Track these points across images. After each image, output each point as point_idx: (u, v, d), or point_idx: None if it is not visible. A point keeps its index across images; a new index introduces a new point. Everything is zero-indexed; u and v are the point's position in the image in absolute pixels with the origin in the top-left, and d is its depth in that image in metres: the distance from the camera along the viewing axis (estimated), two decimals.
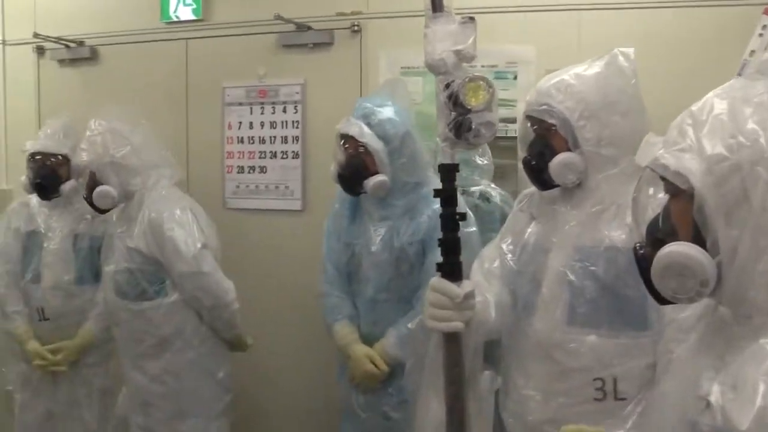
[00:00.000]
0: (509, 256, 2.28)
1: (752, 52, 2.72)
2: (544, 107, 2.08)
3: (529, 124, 2.18)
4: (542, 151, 2.11)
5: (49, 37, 4.37)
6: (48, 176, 3.51)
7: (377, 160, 2.84)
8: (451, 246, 1.83)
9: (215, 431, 3.24)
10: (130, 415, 3.30)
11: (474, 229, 2.79)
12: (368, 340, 2.94)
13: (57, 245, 3.53)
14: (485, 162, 3.46)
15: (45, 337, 3.51)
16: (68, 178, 3.54)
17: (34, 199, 3.62)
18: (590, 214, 2.08)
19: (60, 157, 3.54)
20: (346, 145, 2.90)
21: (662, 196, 1.31)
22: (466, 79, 1.78)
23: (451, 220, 1.83)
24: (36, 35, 4.33)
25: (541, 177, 2.13)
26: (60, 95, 4.50)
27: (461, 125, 1.79)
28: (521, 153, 2.23)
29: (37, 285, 3.52)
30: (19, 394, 3.64)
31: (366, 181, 2.84)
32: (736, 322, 1.23)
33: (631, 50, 2.10)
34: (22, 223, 3.60)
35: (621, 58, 2.08)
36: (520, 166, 2.96)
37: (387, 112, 2.89)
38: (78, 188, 3.48)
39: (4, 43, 4.63)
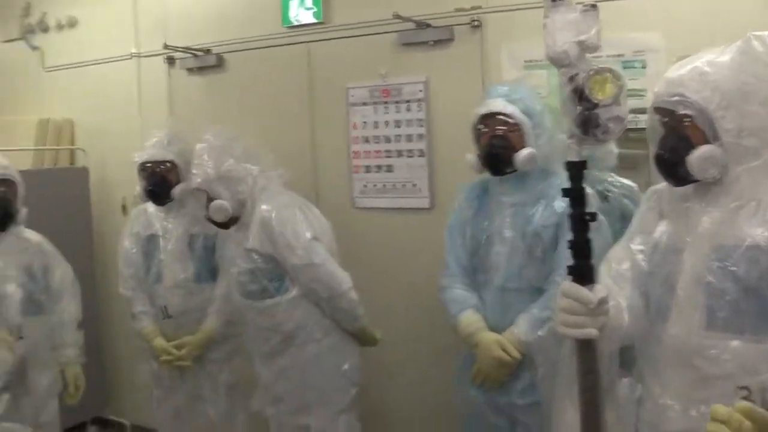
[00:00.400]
0: (640, 256, 2.13)
1: None
2: (677, 98, 1.92)
3: (658, 117, 2.03)
4: (676, 145, 1.94)
5: (178, 47, 4.54)
6: (158, 183, 3.69)
7: (524, 133, 2.84)
8: (581, 248, 1.75)
9: (343, 425, 3.27)
10: (264, 410, 3.40)
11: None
12: (495, 331, 2.87)
13: (174, 246, 3.72)
14: (608, 153, 3.31)
15: (169, 334, 3.71)
16: (178, 182, 3.70)
17: (150, 205, 3.80)
18: (729, 211, 1.91)
19: (167, 164, 3.71)
20: (486, 129, 2.89)
21: None
22: (592, 72, 1.69)
23: (580, 220, 1.75)
24: (166, 46, 4.51)
25: (675, 172, 1.97)
26: (189, 102, 4.68)
27: (588, 121, 1.70)
28: (652, 148, 2.09)
29: (159, 285, 3.72)
30: (154, 390, 3.86)
31: (516, 155, 2.82)
32: None
33: (767, 34, 1.91)
34: (141, 228, 3.80)
35: (756, 43, 1.88)
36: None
37: (523, 89, 2.95)
38: (188, 191, 3.65)
39: (138, 55, 4.84)
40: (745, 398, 1.58)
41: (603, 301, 1.78)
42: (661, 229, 2.10)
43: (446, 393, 3.30)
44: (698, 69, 1.91)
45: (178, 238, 3.71)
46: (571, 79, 1.72)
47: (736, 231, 1.89)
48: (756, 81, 1.85)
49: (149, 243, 3.76)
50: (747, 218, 1.89)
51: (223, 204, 3.20)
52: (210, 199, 3.24)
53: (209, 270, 3.72)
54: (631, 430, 1.95)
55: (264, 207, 3.19)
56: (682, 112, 1.92)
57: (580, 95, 1.71)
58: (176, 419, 3.79)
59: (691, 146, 1.91)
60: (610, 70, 1.72)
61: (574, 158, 1.77)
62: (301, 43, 4.19)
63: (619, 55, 3.41)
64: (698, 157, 1.89)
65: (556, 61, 1.74)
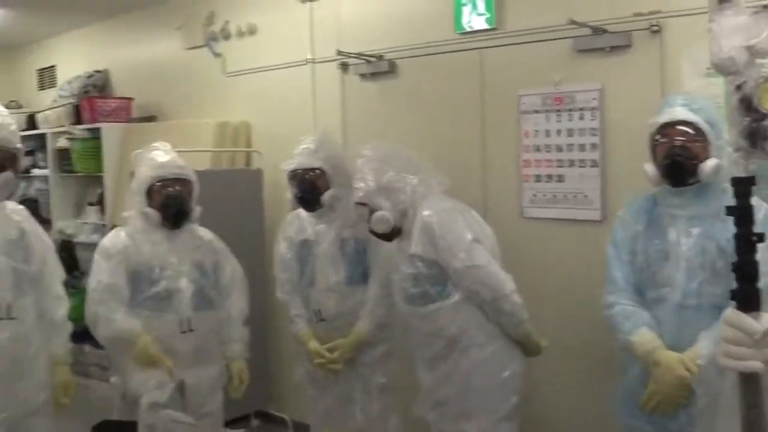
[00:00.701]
0: None
1: None
2: None
3: None
4: None
5: (351, 53, 4.59)
6: (308, 189, 3.75)
7: (707, 143, 2.68)
8: (747, 271, 1.59)
9: None
10: (426, 415, 3.34)
11: None
12: (671, 350, 2.70)
13: (326, 250, 3.76)
14: None
15: (323, 337, 3.76)
16: (327, 189, 3.74)
17: (303, 211, 3.86)
18: None
19: (316, 171, 3.75)
20: (664, 139, 2.74)
21: None
22: (761, 80, 1.55)
23: (746, 241, 1.59)
24: (339, 52, 4.58)
25: None
26: (361, 107, 4.74)
27: (756, 133, 1.56)
28: None
29: (312, 288, 3.77)
30: (310, 390, 3.93)
31: (701, 165, 2.66)
32: None
33: None
34: (294, 233, 3.87)
35: None
36: None
37: (702, 99, 2.82)
38: (338, 196, 3.72)
39: (313, 61, 4.94)
40: None
41: None
42: None
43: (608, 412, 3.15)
44: None
45: (330, 242, 3.76)
46: (739, 87, 1.59)
47: None
48: None
49: (302, 248, 3.83)
50: None
51: (385, 214, 3.22)
52: (372, 212, 3.26)
53: (361, 273, 3.76)
54: None
55: (425, 212, 3.17)
56: None
57: (747, 105, 1.58)
58: (328, 419, 3.86)
59: None
60: None
61: (741, 173, 1.61)
62: (474, 49, 4.13)
63: None
64: None
65: (722, 69, 1.62)
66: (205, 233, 3.74)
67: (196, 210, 3.62)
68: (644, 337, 2.74)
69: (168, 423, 2.76)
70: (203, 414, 3.56)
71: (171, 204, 3.49)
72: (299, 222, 3.88)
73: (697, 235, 2.72)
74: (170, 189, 3.51)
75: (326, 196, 3.74)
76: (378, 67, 4.56)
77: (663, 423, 2.75)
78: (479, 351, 3.16)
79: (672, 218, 2.78)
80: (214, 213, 3.89)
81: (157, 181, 3.51)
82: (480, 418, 3.16)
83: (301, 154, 3.83)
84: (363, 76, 4.66)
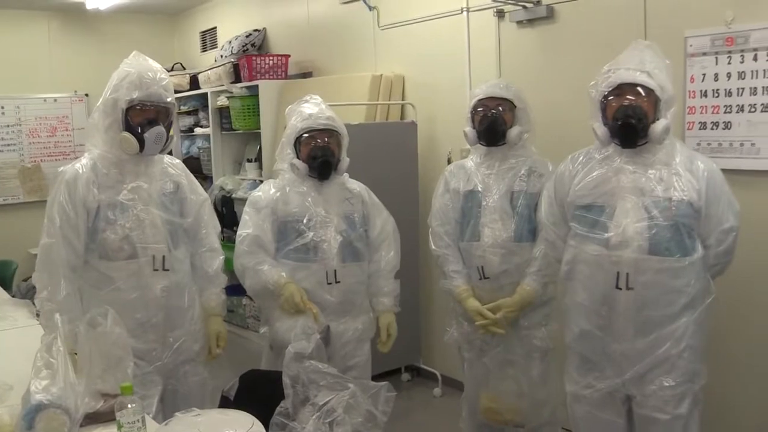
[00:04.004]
0: None
1: None
2: None
3: None
4: None
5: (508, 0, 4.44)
6: (496, 122, 3.57)
7: None
8: None
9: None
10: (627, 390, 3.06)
11: None
12: None
13: (495, 204, 3.58)
14: None
15: (485, 297, 3.61)
16: (512, 125, 3.59)
17: (469, 161, 3.73)
18: None
19: (507, 103, 3.60)
20: None
21: None
22: None
23: None
24: None
25: None
26: (519, 56, 4.60)
27: None
28: None
29: (476, 243, 3.60)
30: (466, 353, 3.80)
31: None
32: None
33: None
34: (461, 183, 3.69)
35: None
36: None
37: None
38: (523, 136, 3.58)
39: (468, 9, 4.84)
40: None
41: None
42: None
43: None
44: None
45: (501, 195, 3.59)
46: None
47: None
48: None
49: (468, 199, 3.67)
50: None
51: None
52: None
53: (530, 230, 3.57)
54: None
55: (703, 160, 2.98)
56: None
57: None
58: (485, 383, 3.73)
59: None
60: None
61: None
62: None
63: None
64: None
65: None
66: (356, 185, 3.71)
67: (345, 161, 3.58)
68: None
69: (311, 374, 2.77)
70: (350, 366, 3.55)
71: (318, 155, 3.47)
72: (465, 172, 3.72)
73: None
74: (318, 140, 3.50)
75: (513, 132, 3.58)
76: (535, 13, 4.40)
77: None
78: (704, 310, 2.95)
79: None
80: (369, 166, 3.87)
81: (305, 133, 3.51)
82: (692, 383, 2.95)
83: (489, 84, 3.70)
84: (520, 23, 4.52)
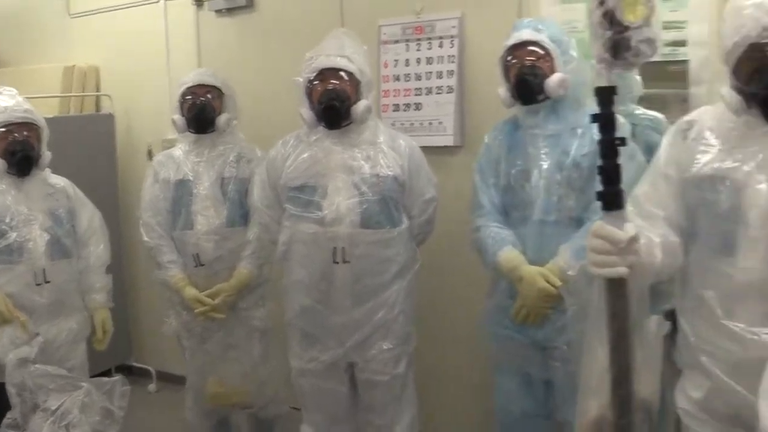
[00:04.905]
0: (677, 189, 2.15)
1: None
2: None
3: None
4: None
5: None
6: (205, 109, 3.60)
7: (554, 59, 2.82)
8: (611, 173, 1.73)
9: None
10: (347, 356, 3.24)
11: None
12: (536, 265, 2.83)
13: (207, 191, 3.62)
14: (632, 83, 3.19)
15: (202, 283, 3.61)
16: (221, 113, 3.64)
17: (178, 149, 3.73)
18: None
19: (215, 91, 3.65)
20: (515, 60, 2.86)
21: None
22: None
23: (610, 146, 1.72)
24: None
25: None
26: (218, 45, 4.63)
27: (619, 44, 1.66)
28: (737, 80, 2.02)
29: (190, 232, 3.62)
30: (186, 341, 3.78)
31: (547, 81, 2.79)
32: None
33: None
34: (171, 173, 3.67)
35: None
36: (694, 92, 3.03)
37: (548, 21, 3.01)
38: (232, 123, 3.64)
39: None
40: None
41: (633, 240, 1.78)
42: (709, 160, 2.08)
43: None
44: None
45: (211, 182, 3.62)
46: (602, 2, 1.68)
47: None
48: None
49: (178, 189, 3.66)
50: None
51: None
52: None
53: (242, 215, 3.64)
54: (658, 367, 1.93)
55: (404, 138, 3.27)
56: None
57: (610, 19, 1.67)
58: (208, 368, 3.72)
59: None
60: None
61: (604, 83, 1.73)
62: None
63: None
64: None
65: None
66: (59, 180, 3.56)
67: (46, 156, 3.44)
68: (509, 255, 2.86)
69: (38, 378, 2.67)
70: (68, 368, 3.36)
71: (17, 150, 3.31)
72: (173, 162, 3.70)
73: (554, 152, 2.84)
74: (16, 134, 3.33)
75: (222, 119, 3.62)
76: (234, 2, 4.46)
77: (531, 332, 2.90)
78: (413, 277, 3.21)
79: (532, 137, 2.89)
80: (64, 161, 3.69)
81: (1, 127, 3.33)
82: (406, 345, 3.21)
83: (198, 72, 3.72)
84: (219, 12, 4.56)
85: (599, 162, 1.75)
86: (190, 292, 3.59)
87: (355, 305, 3.08)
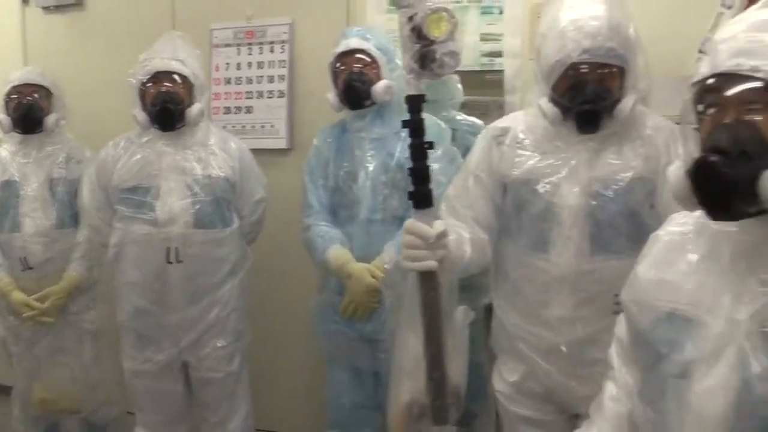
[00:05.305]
0: (490, 191, 2.37)
1: None
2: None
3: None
4: None
5: None
6: (32, 108, 3.54)
7: (380, 67, 2.97)
8: (421, 174, 1.86)
9: None
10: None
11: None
12: (364, 262, 2.97)
13: (35, 192, 3.55)
14: (454, 92, 3.40)
15: (30, 287, 3.53)
16: (50, 112, 3.59)
17: (3, 150, 3.65)
18: (604, 144, 2.20)
19: (43, 90, 3.59)
20: (344, 66, 3.00)
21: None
22: (429, 11, 1.79)
23: (419, 149, 1.85)
24: None
25: None
26: (46, 43, 4.51)
27: (426, 56, 1.81)
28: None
29: (17, 234, 3.54)
30: (14, 347, 3.67)
31: (374, 88, 2.93)
32: None
33: None
34: None
35: None
36: (508, 99, 3.30)
37: (375, 30, 3.17)
38: (61, 123, 3.60)
39: None
40: (616, 303, 1.75)
41: (441, 235, 1.91)
42: (523, 164, 2.31)
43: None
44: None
45: (39, 183, 3.55)
46: (410, 18, 1.82)
47: (614, 164, 2.19)
48: None
49: (4, 190, 3.56)
50: (617, 152, 2.21)
51: None
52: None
53: (71, 216, 3.59)
54: (465, 353, 2.07)
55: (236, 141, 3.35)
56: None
57: (418, 33, 1.81)
58: (36, 373, 3.63)
59: None
60: (446, 10, 1.82)
61: (413, 92, 1.86)
62: None
63: (478, 1, 3.54)
64: None
65: (397, 2, 1.85)
66: None
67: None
68: (337, 252, 3.00)
69: None
70: None
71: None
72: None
73: (379, 154, 3.00)
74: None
75: (50, 119, 3.55)
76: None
77: (359, 327, 3.05)
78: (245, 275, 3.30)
79: (358, 140, 3.05)
80: None
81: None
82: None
83: (26, 71, 3.64)
84: (47, 8, 4.45)
85: (409, 164, 1.88)
86: (18, 296, 3.49)
87: (189, 304, 3.13)
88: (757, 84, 1.29)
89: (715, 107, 1.35)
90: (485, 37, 3.52)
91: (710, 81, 1.36)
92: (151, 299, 3.13)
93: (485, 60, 3.52)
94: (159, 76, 3.07)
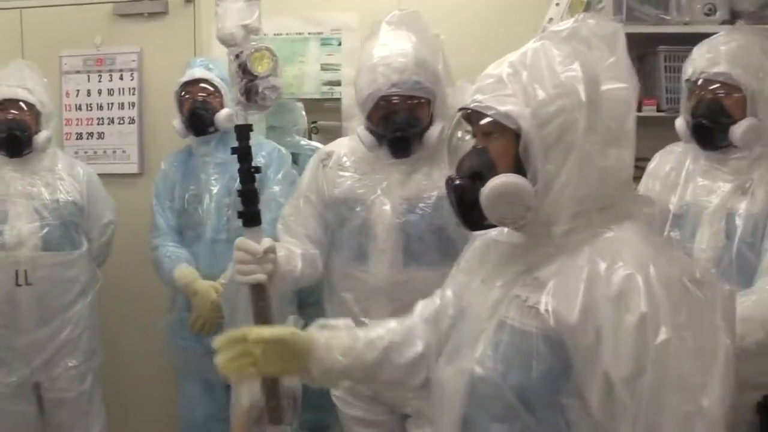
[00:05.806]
0: (314, 210, 2.58)
1: (550, 20, 3.04)
2: None
3: None
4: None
5: None
6: None
7: (223, 96, 3.17)
8: (249, 196, 2.07)
9: None
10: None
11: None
12: (209, 279, 3.14)
13: None
14: (298, 119, 3.66)
15: None
16: None
17: None
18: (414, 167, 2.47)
19: None
20: (189, 95, 3.18)
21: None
22: (253, 50, 2.00)
23: (247, 173, 2.06)
24: None
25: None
26: None
27: (250, 90, 2.01)
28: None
29: None
30: None
31: (217, 115, 3.12)
32: (545, 243, 1.46)
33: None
34: None
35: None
36: (345, 125, 3.41)
37: (218, 61, 3.25)
38: None
39: None
40: None
41: (269, 251, 2.12)
42: (343, 185, 2.54)
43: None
44: None
45: None
46: (237, 56, 2.03)
47: (422, 185, 2.45)
48: None
49: None
50: (426, 174, 2.47)
51: None
52: None
53: None
54: None
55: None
56: None
57: (243, 69, 2.02)
58: None
59: None
60: (268, 48, 2.04)
61: (241, 122, 2.08)
62: (14, 8, 4.08)
63: (318, 33, 3.77)
64: None
65: (225, 42, 2.05)
66: None
67: None
68: (183, 271, 3.17)
69: None
70: None
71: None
72: None
73: (223, 178, 3.20)
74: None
75: None
76: None
77: (207, 341, 3.17)
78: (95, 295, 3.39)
79: (203, 165, 3.24)
80: None
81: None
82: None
83: None
84: None
85: (238, 187, 2.09)
86: None
87: (39, 326, 3.20)
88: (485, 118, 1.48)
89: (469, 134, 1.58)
90: (325, 67, 3.77)
91: (459, 113, 1.59)
92: (0, 322, 3.19)
93: (325, 88, 3.77)
94: (5, 104, 3.16)
